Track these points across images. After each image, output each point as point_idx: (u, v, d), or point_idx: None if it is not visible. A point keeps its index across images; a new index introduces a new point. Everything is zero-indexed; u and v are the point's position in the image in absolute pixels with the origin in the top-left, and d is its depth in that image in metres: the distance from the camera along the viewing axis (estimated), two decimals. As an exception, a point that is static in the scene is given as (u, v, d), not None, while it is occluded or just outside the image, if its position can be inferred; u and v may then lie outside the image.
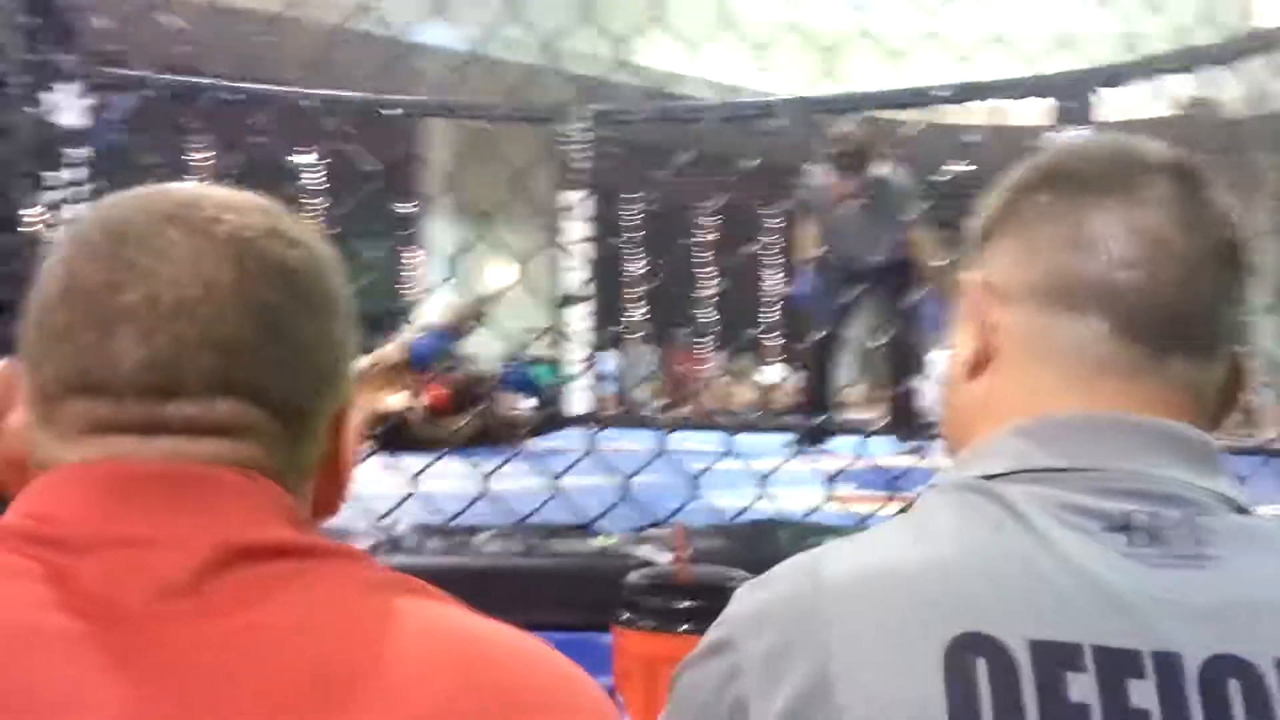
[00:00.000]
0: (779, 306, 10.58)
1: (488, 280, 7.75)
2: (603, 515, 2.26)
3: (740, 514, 2.34)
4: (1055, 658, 0.70)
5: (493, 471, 2.39)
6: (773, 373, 11.19)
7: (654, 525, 2.24)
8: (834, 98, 5.26)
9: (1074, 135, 1.06)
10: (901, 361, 5.19)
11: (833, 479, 2.62)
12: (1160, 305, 0.81)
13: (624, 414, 7.52)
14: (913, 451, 4.58)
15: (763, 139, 4.92)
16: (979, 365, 0.87)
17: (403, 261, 10.94)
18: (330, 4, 2.01)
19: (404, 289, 10.56)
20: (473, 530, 2.14)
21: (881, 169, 5.22)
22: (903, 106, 5.41)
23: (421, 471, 2.45)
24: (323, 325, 0.79)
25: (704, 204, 11.03)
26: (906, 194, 5.18)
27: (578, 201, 6.54)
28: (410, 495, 2.34)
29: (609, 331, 10.13)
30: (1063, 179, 0.86)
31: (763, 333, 12.11)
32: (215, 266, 0.74)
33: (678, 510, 2.33)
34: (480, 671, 0.68)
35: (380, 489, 2.42)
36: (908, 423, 5.10)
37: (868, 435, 4.95)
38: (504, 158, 2.23)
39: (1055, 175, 0.87)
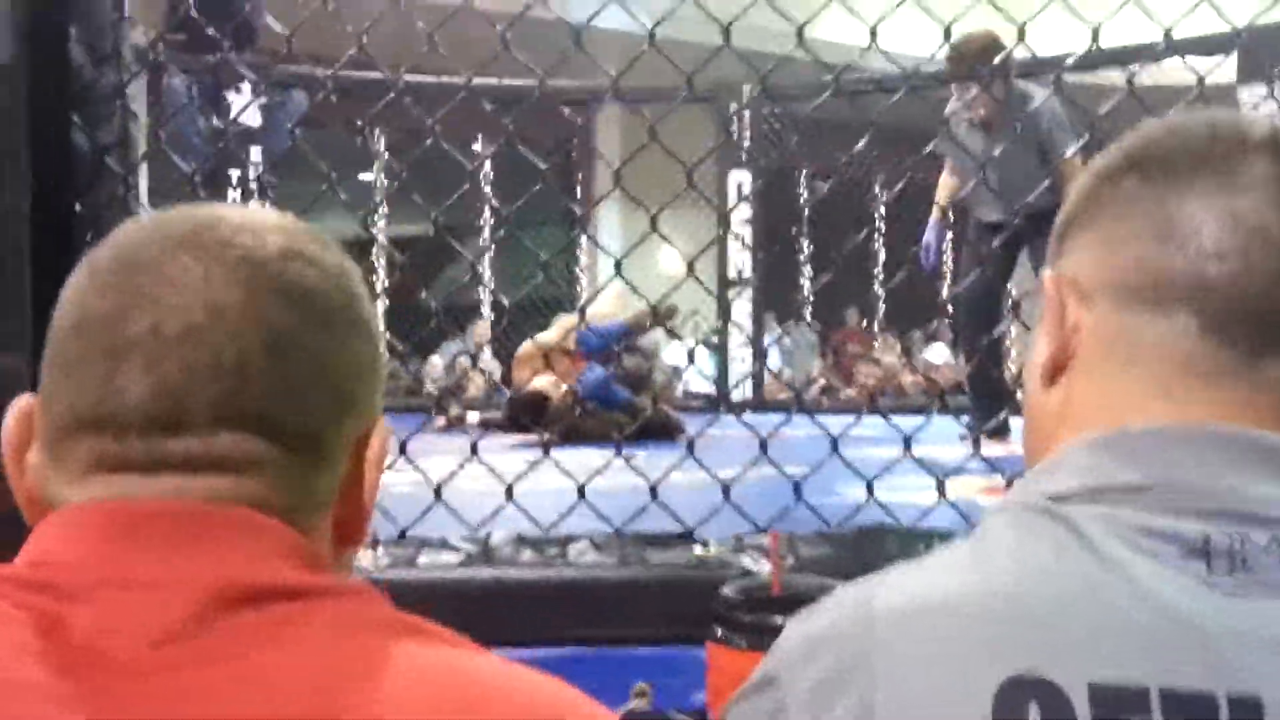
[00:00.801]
0: (905, 272, 10.16)
1: (661, 266, 7.80)
2: (706, 520, 2.19)
3: (848, 518, 2.24)
4: (1117, 703, 0.63)
5: (589, 479, 2.34)
6: (936, 352, 10.89)
7: (759, 530, 2.16)
8: (1024, 61, 4.95)
9: (1164, 117, 0.95)
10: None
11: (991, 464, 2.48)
12: (1255, 301, 0.73)
13: (789, 399, 7.46)
14: None
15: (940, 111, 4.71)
16: (1057, 369, 0.79)
17: (573, 246, 11.05)
18: None
19: (574, 274, 10.66)
20: (568, 540, 2.10)
21: (1022, 87, 4.63)
22: (1094, 68, 5.06)
23: (516, 479, 2.41)
24: (341, 346, 0.77)
25: (879, 180, 10.85)
26: (1056, 118, 4.51)
27: (746, 181, 6.50)
28: (505, 502, 2.31)
29: (776, 312, 10.07)
30: (1150, 162, 0.78)
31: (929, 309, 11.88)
32: (224, 290, 0.73)
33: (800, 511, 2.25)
34: (479, 712, 0.66)
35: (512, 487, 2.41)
36: None
37: None
38: (674, 141, 2.21)
39: (1142, 158, 0.79)
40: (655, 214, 2.25)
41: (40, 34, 1.73)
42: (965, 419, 4.86)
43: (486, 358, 9.38)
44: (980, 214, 4.81)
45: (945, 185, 5.07)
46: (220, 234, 0.75)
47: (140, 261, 0.74)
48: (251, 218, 0.78)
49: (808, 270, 11.23)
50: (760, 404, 6.78)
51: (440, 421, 5.75)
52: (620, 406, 5.03)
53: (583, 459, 2.60)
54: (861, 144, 3.52)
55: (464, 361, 8.93)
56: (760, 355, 6.99)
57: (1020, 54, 4.19)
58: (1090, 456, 0.73)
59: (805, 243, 11.10)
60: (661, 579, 1.97)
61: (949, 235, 5.13)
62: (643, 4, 2.11)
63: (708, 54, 2.16)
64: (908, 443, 2.37)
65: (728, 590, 1.50)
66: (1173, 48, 4.47)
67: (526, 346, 5.58)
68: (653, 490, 2.15)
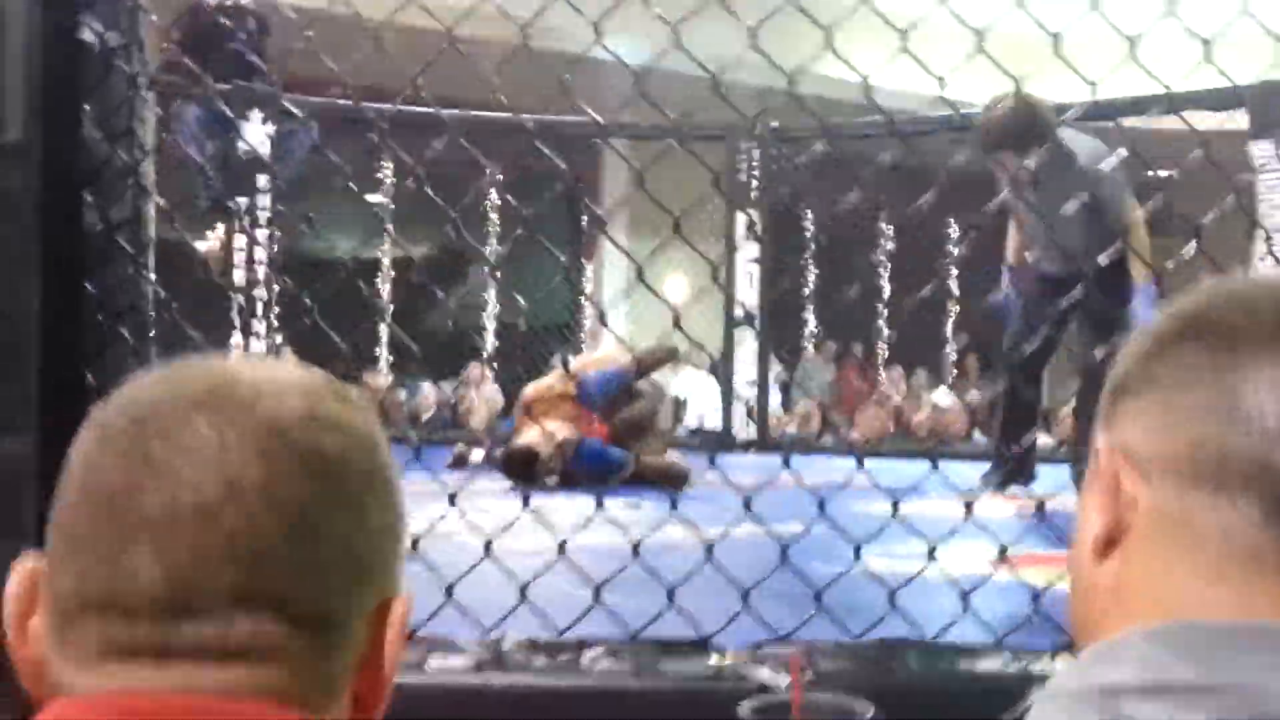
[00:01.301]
0: (976, 319, 10.00)
1: (666, 294, 7.76)
2: (724, 629, 2.14)
3: (868, 630, 2.18)
4: None
5: (605, 581, 2.29)
6: (941, 395, 10.81)
7: (780, 638, 2.11)
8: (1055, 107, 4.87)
9: (1228, 280, 0.90)
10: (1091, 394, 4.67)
11: (1003, 550, 2.41)
12: None
13: (796, 439, 7.42)
14: None
15: (951, 149, 4.67)
16: (1110, 543, 0.74)
17: (579, 274, 11.03)
18: (512, 22, 2.00)
19: (580, 302, 10.64)
20: (581, 645, 2.05)
21: (1065, 143, 4.48)
22: (1108, 118, 5.01)
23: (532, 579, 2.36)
24: (363, 518, 0.73)
25: (885, 215, 10.85)
26: (1102, 175, 4.33)
27: (753, 220, 6.49)
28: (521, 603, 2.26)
29: (782, 348, 10.05)
30: (1210, 331, 0.74)
31: (948, 351, 11.85)
32: (242, 462, 0.69)
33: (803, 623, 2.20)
34: None
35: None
36: None
37: (1074, 466, 4.55)
38: (680, 173, 2.19)
39: (1202, 326, 0.74)
40: (663, 239, 2.21)
41: (54, 111, 1.72)
42: (987, 468, 4.82)
43: (489, 389, 9.34)
44: (1041, 267, 4.74)
45: (1013, 239, 4.99)
46: (239, 397, 0.71)
47: (153, 426, 0.70)
48: (271, 376, 0.74)
49: (812, 306, 11.22)
50: (765, 443, 6.75)
51: (448, 459, 5.74)
52: (616, 470, 4.97)
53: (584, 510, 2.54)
54: (860, 188, 3.47)
55: (466, 394, 8.90)
56: (765, 394, 6.95)
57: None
58: (1149, 648, 0.68)
59: (810, 278, 11.09)
60: (678, 690, 1.93)
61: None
62: (655, 37, 2.07)
63: (721, 90, 2.12)
64: (895, 507, 2.31)
65: (744, 710, 1.44)
66: (1179, 102, 4.43)
67: (528, 392, 5.54)
68: (670, 594, 2.11)
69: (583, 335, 9.91)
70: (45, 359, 1.71)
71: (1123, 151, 4.40)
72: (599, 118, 5.80)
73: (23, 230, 1.70)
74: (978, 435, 9.05)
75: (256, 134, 6.00)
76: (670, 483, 4.87)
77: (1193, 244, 2.20)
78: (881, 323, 11.76)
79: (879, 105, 2.21)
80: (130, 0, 1.85)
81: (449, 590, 2.08)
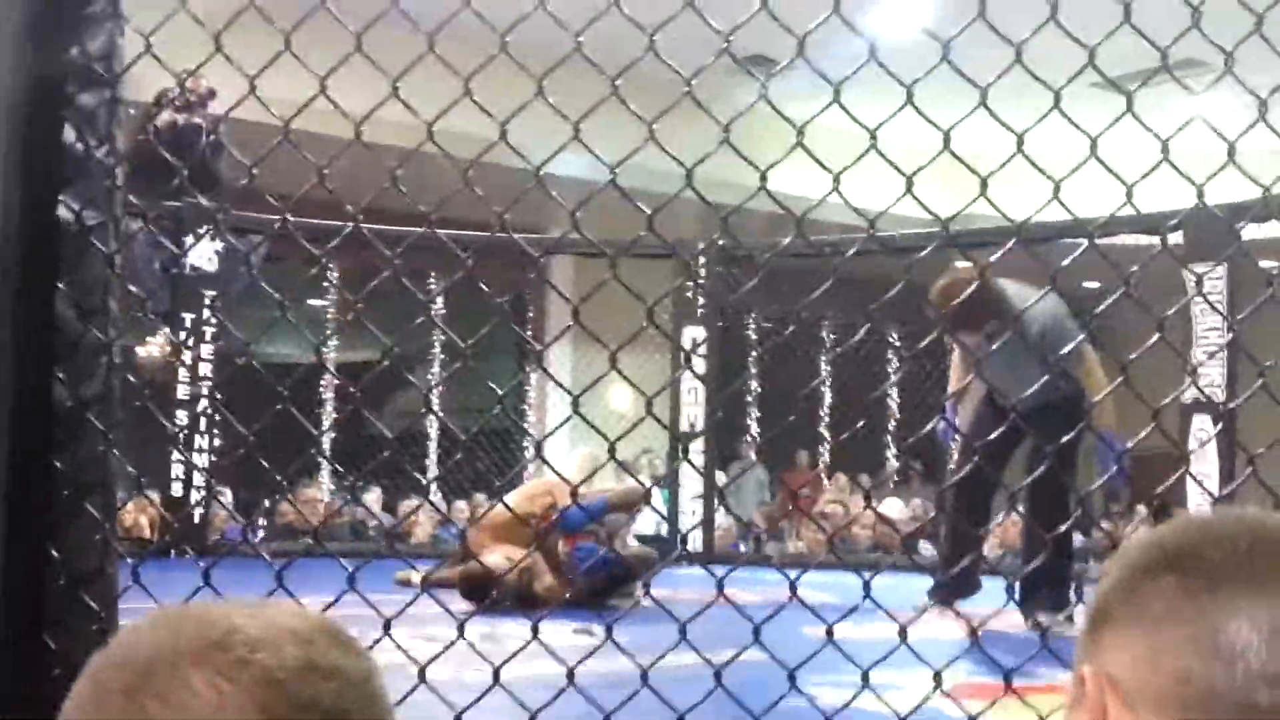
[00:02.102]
0: (917, 441, 10.07)
1: (611, 404, 7.82)
2: None
3: None
4: None
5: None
6: (890, 505, 10.84)
7: None
8: (982, 231, 5.00)
9: (1202, 513, 0.92)
10: (1047, 513, 4.47)
11: (938, 675, 2.42)
12: None
13: (740, 553, 7.41)
14: (1048, 624, 4.24)
15: (901, 262, 4.76)
16: None
17: (525, 383, 11.05)
18: (462, 137, 2.02)
19: (522, 410, 10.64)
20: None
21: (1016, 304, 4.63)
22: (1054, 237, 5.11)
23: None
24: None
25: (829, 323, 10.97)
26: (1051, 328, 4.50)
27: (700, 337, 6.56)
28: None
29: (725, 455, 10.07)
30: (1189, 566, 0.76)
31: (891, 459, 11.90)
32: (239, 718, 0.69)
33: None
34: None
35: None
36: (1050, 589, 4.56)
37: (1013, 587, 4.58)
38: (628, 287, 2.20)
39: (1179, 559, 0.77)
40: (615, 351, 2.21)
41: (28, 290, 1.73)
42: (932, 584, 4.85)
43: (433, 496, 9.27)
44: (987, 375, 4.86)
45: (955, 370, 5.14)
46: (235, 651, 0.72)
47: (149, 683, 0.70)
48: (269, 624, 0.74)
49: (755, 413, 11.28)
50: (710, 556, 6.74)
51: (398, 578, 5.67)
52: (621, 577, 5.02)
53: (557, 636, 2.50)
54: (822, 290, 3.53)
55: (406, 507, 8.83)
56: (710, 507, 6.96)
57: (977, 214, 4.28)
58: None
59: (754, 385, 11.17)
60: None
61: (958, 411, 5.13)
62: (603, 151, 2.10)
63: (668, 206, 2.14)
64: (830, 633, 2.30)
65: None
66: (1115, 225, 4.55)
67: (491, 516, 5.51)
68: None
69: (526, 445, 9.88)
70: (9, 536, 1.70)
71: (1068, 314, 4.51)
72: (542, 235, 5.88)
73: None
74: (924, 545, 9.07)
75: (205, 250, 6.01)
76: (623, 583, 4.94)
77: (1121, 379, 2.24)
78: (824, 430, 11.84)
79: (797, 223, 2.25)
80: (109, 181, 1.87)
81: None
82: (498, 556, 4.98)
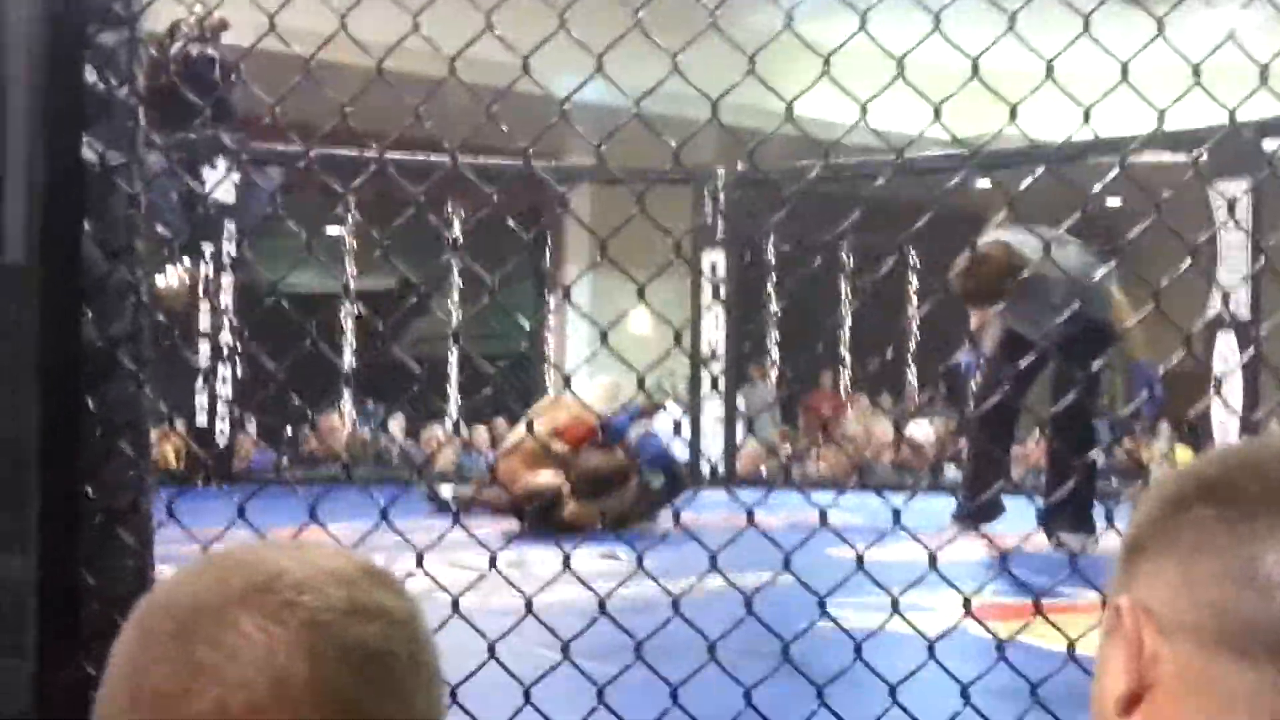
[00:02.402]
0: (943, 374, 10.06)
1: (631, 329, 7.82)
2: None
3: None
4: None
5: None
6: (919, 428, 10.80)
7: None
8: (1007, 153, 4.94)
9: (1238, 445, 0.91)
10: (1072, 438, 4.59)
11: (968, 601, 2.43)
12: None
13: (760, 476, 7.44)
14: (1078, 545, 4.24)
15: (923, 183, 4.76)
16: (1134, 700, 0.76)
17: (546, 309, 11.05)
18: (485, 64, 2.00)
19: (542, 335, 10.66)
20: None
21: (1038, 269, 4.52)
22: (1080, 157, 5.05)
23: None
24: (408, 704, 0.75)
25: (849, 245, 10.91)
26: (1074, 290, 4.34)
27: (720, 261, 6.53)
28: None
29: (746, 375, 10.07)
30: (1224, 496, 0.76)
31: (913, 381, 11.87)
32: (288, 660, 0.70)
33: None
34: None
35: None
36: (1074, 511, 4.59)
37: (1043, 512, 4.61)
38: (655, 221, 2.19)
39: (1218, 491, 0.76)
40: (643, 285, 2.20)
41: (54, 232, 1.73)
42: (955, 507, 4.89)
43: (450, 425, 9.31)
44: (1012, 324, 4.84)
45: (975, 313, 5.13)
46: (282, 594, 0.72)
47: (198, 629, 0.71)
48: (313, 566, 0.75)
49: (775, 334, 11.26)
50: (733, 479, 6.78)
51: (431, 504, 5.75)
52: (674, 485, 5.20)
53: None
54: (850, 221, 3.51)
55: (437, 434, 8.88)
56: (732, 432, 6.98)
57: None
58: None
59: (774, 306, 11.15)
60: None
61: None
62: (621, 78, 2.08)
63: (685, 130, 2.12)
64: (860, 561, 2.31)
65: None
66: (1145, 143, 4.48)
67: (516, 438, 5.56)
68: (673, 694, 2.09)
69: (545, 370, 9.91)
70: (44, 477, 1.72)
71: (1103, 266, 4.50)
72: (563, 162, 5.84)
73: (23, 349, 1.71)
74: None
75: (222, 181, 5.99)
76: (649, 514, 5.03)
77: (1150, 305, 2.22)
78: (845, 353, 11.83)
79: (813, 139, 2.22)
80: (130, 121, 1.86)
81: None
82: (540, 482, 5.06)
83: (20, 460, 1.72)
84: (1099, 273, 4.42)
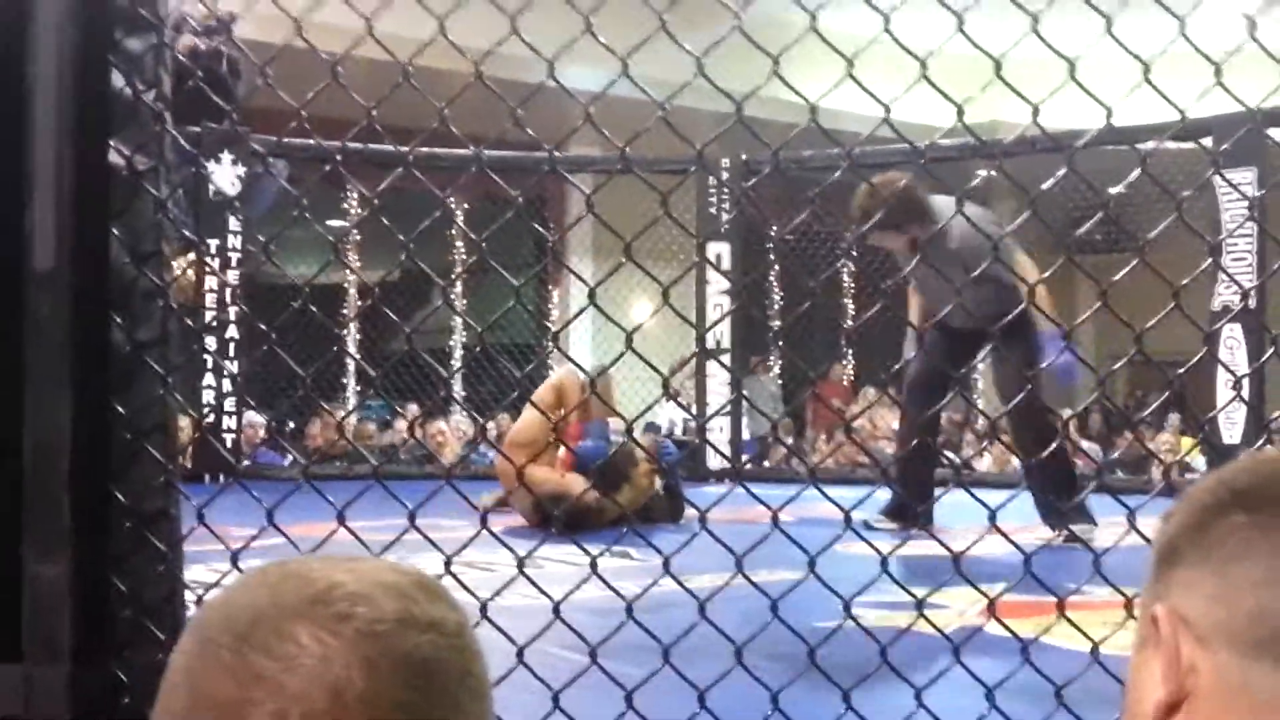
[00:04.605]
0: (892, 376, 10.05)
1: (632, 316, 7.82)
2: None
3: None
4: None
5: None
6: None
7: None
8: (1024, 142, 4.94)
9: (1269, 451, 0.91)
10: (1034, 437, 4.58)
11: (991, 602, 2.42)
12: None
13: (765, 468, 7.43)
14: (1069, 538, 4.26)
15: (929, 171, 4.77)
16: (1171, 709, 0.76)
17: (545, 296, 11.05)
18: (495, 56, 2.00)
19: (546, 324, 10.66)
20: None
21: (939, 214, 4.68)
22: (1047, 151, 5.08)
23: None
24: (458, 712, 0.76)
25: (849, 235, 10.89)
26: (969, 236, 4.43)
27: (725, 252, 6.52)
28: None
29: (749, 365, 10.08)
30: (1261, 503, 0.76)
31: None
32: (344, 670, 0.72)
33: None
34: None
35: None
36: (1066, 497, 4.57)
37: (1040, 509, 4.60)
38: (652, 206, 2.18)
39: (1251, 499, 0.77)
40: (668, 287, 2.19)
41: (82, 238, 1.74)
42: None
43: (457, 417, 9.32)
44: (946, 320, 4.88)
45: (913, 303, 5.22)
46: (336, 606, 0.74)
47: (257, 639, 0.73)
48: (368, 579, 0.77)
49: (777, 325, 11.26)
50: (737, 471, 6.78)
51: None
52: (677, 490, 5.20)
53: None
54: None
55: (440, 428, 8.87)
56: (738, 424, 6.98)
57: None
58: None
59: (776, 296, 11.15)
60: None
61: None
62: (631, 69, 2.07)
63: (686, 118, 2.11)
64: (885, 564, 2.30)
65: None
66: (1145, 133, 4.51)
67: (523, 431, 5.54)
68: (700, 698, 2.09)
69: (549, 361, 9.91)
70: (75, 481, 1.73)
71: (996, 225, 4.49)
72: (561, 151, 5.82)
73: (53, 355, 1.72)
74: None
75: (227, 175, 6.00)
76: (672, 515, 5.03)
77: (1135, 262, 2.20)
78: (846, 344, 11.83)
79: (827, 132, 2.21)
80: (157, 125, 1.86)
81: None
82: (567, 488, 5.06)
83: (52, 464, 1.73)
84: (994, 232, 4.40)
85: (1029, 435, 4.61)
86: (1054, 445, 4.52)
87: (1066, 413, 5.83)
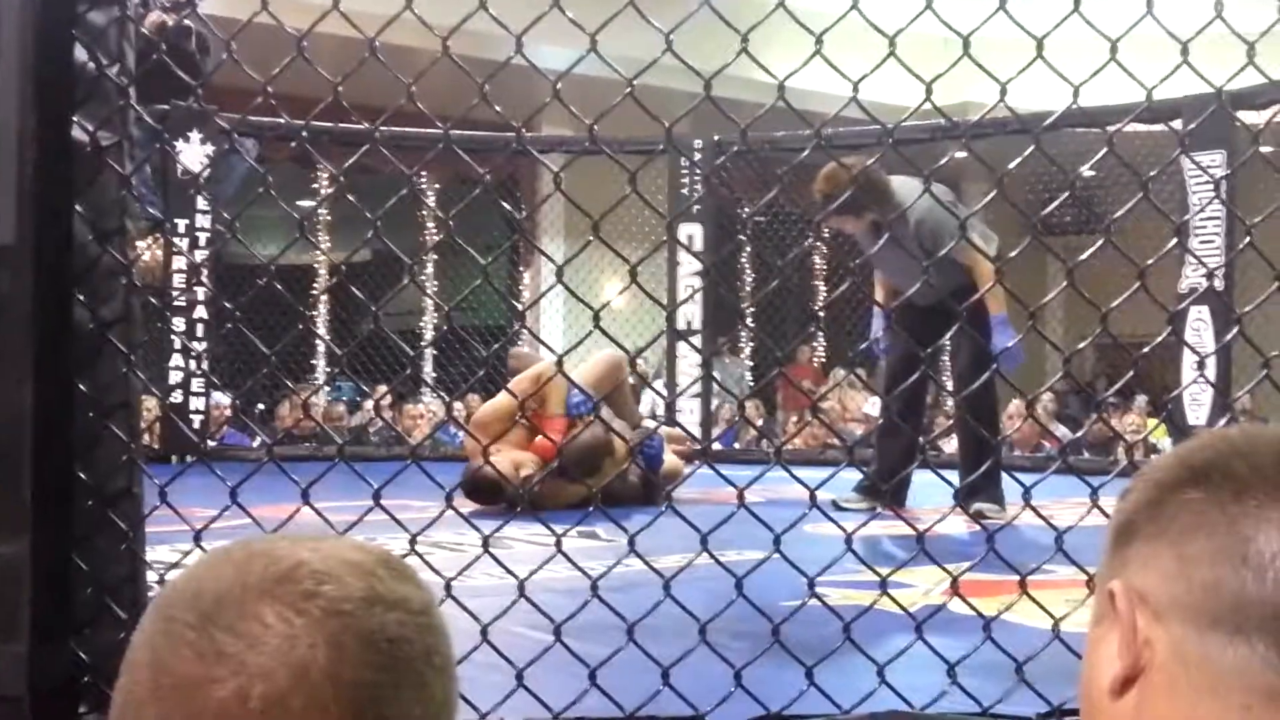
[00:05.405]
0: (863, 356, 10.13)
1: (604, 297, 7.83)
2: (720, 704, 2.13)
3: (857, 705, 2.20)
4: None
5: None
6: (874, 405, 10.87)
7: (769, 715, 2.10)
8: (992, 122, 4.98)
9: (1226, 429, 0.92)
10: (975, 412, 4.59)
11: (955, 581, 2.44)
12: None
13: (736, 450, 7.44)
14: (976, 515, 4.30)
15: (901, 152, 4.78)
16: (1127, 683, 0.77)
17: (516, 277, 11.02)
18: (461, 33, 1.99)
19: (516, 304, 10.63)
20: None
21: (899, 196, 4.74)
22: (1017, 132, 5.10)
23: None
24: (425, 692, 0.76)
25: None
26: (927, 215, 4.56)
27: (697, 234, 6.53)
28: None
29: (720, 346, 10.08)
30: (1215, 478, 0.77)
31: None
32: (310, 649, 0.72)
33: None
34: None
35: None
36: (985, 478, 4.60)
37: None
38: (622, 187, 2.17)
39: (1207, 474, 0.78)
40: (634, 265, 2.19)
41: (45, 213, 1.72)
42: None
43: (428, 399, 9.29)
44: (911, 299, 4.94)
45: (879, 283, 5.24)
46: (302, 584, 0.74)
47: (219, 617, 0.72)
48: (333, 557, 0.77)
49: (749, 307, 11.25)
50: (705, 454, 6.79)
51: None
52: (654, 481, 5.30)
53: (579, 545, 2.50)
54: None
55: (414, 408, 8.85)
56: (708, 405, 6.99)
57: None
58: None
59: (748, 278, 11.16)
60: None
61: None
62: (600, 46, 2.06)
63: (657, 97, 2.10)
64: (849, 542, 2.31)
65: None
66: (1113, 115, 4.51)
67: (488, 411, 5.52)
68: (664, 674, 2.09)
69: (521, 342, 9.90)
70: (37, 459, 1.71)
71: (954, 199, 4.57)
72: (532, 131, 5.81)
73: (14, 332, 1.70)
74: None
75: (195, 154, 5.95)
76: (647, 497, 5.03)
77: (1100, 242, 2.21)
78: (815, 326, 11.84)
79: (800, 113, 2.20)
80: (121, 101, 1.84)
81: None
82: (505, 461, 5.03)
83: (14, 442, 1.72)
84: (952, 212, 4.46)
85: (974, 410, 4.64)
86: (986, 427, 4.62)
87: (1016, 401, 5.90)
